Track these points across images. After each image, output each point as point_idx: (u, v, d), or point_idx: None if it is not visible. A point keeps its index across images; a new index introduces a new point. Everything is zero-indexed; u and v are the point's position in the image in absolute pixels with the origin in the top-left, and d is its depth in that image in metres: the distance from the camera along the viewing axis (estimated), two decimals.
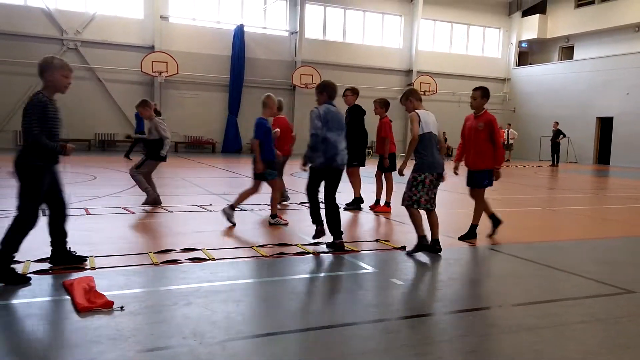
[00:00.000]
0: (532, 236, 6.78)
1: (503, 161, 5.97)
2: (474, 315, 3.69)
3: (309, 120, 5.46)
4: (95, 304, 3.47)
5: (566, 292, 4.31)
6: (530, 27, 28.90)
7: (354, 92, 8.13)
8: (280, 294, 3.99)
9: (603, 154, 25.44)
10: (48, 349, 2.88)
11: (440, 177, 5.41)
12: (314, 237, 5.64)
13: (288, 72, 24.39)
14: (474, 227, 6.11)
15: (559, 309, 3.86)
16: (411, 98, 5.59)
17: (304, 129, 23.28)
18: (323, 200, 5.55)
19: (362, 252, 5.38)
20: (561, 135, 22.48)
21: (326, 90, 5.59)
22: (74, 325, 3.23)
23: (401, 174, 5.77)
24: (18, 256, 4.26)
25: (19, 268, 4.29)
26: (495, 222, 6.24)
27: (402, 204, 5.45)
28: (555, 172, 19.22)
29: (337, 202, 5.57)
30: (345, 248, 5.41)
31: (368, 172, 9.13)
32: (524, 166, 21.76)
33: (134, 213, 7.18)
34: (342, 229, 5.48)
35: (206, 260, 4.80)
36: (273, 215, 6.78)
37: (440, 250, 5.32)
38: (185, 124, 22.75)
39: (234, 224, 6.48)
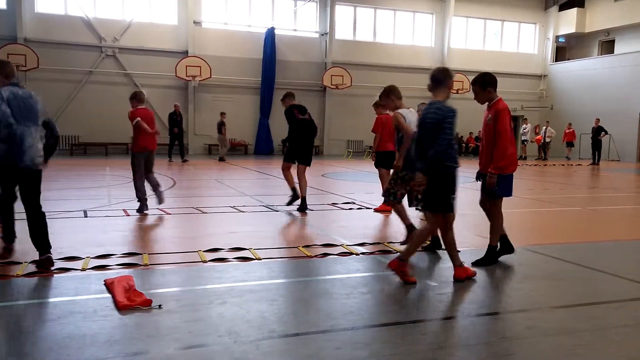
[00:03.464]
0: (572, 237, 6.60)
1: (501, 164, 4.65)
2: (512, 318, 3.62)
3: None
4: (134, 302, 3.57)
5: (608, 295, 4.18)
6: (568, 22, 28.09)
7: (284, 96, 8.13)
8: (314, 294, 4.01)
9: None
10: (90, 345, 2.97)
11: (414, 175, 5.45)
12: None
13: (318, 73, 24.44)
14: (492, 249, 4.94)
15: (600, 312, 3.75)
16: (392, 96, 5.46)
17: (334, 130, 23.24)
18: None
19: (397, 253, 5.35)
20: (602, 133, 21.79)
21: (1, 70, 4.48)
22: (114, 322, 3.33)
23: (397, 170, 5.55)
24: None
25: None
26: (504, 247, 5.02)
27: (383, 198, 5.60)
28: (596, 171, 18.63)
29: (41, 209, 4.59)
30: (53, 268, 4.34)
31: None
32: (563, 165, 21.18)
33: (170, 214, 7.34)
34: (50, 243, 4.50)
35: (252, 259, 4.87)
36: None
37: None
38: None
39: None
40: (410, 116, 5.47)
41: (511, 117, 4.98)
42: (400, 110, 5.48)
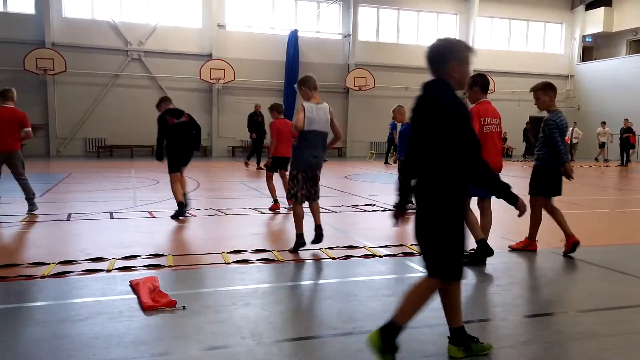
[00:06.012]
0: (600, 239, 6.46)
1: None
2: (537, 322, 3.57)
3: None
4: (159, 303, 3.62)
5: (636, 299, 4.08)
6: (595, 21, 27.52)
7: (158, 102, 7.64)
8: (336, 296, 4.01)
9: None
10: (115, 346, 3.03)
11: (313, 175, 5.36)
12: None
13: (341, 75, 24.44)
14: (481, 242, 4.96)
15: (628, 316, 3.66)
16: (304, 87, 5.35)
17: (357, 132, 23.13)
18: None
19: (419, 255, 5.31)
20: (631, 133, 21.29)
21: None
22: (140, 323, 3.39)
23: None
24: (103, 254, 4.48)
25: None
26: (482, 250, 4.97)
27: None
28: (624, 172, 18.19)
29: None
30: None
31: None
32: (590, 166, 20.73)
33: (195, 216, 7.43)
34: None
35: (275, 261, 4.91)
36: None
37: (319, 239, 5.35)
38: (242, 128, 23.20)
39: None
40: (316, 110, 5.26)
41: (480, 119, 5.06)
42: (306, 103, 5.28)
